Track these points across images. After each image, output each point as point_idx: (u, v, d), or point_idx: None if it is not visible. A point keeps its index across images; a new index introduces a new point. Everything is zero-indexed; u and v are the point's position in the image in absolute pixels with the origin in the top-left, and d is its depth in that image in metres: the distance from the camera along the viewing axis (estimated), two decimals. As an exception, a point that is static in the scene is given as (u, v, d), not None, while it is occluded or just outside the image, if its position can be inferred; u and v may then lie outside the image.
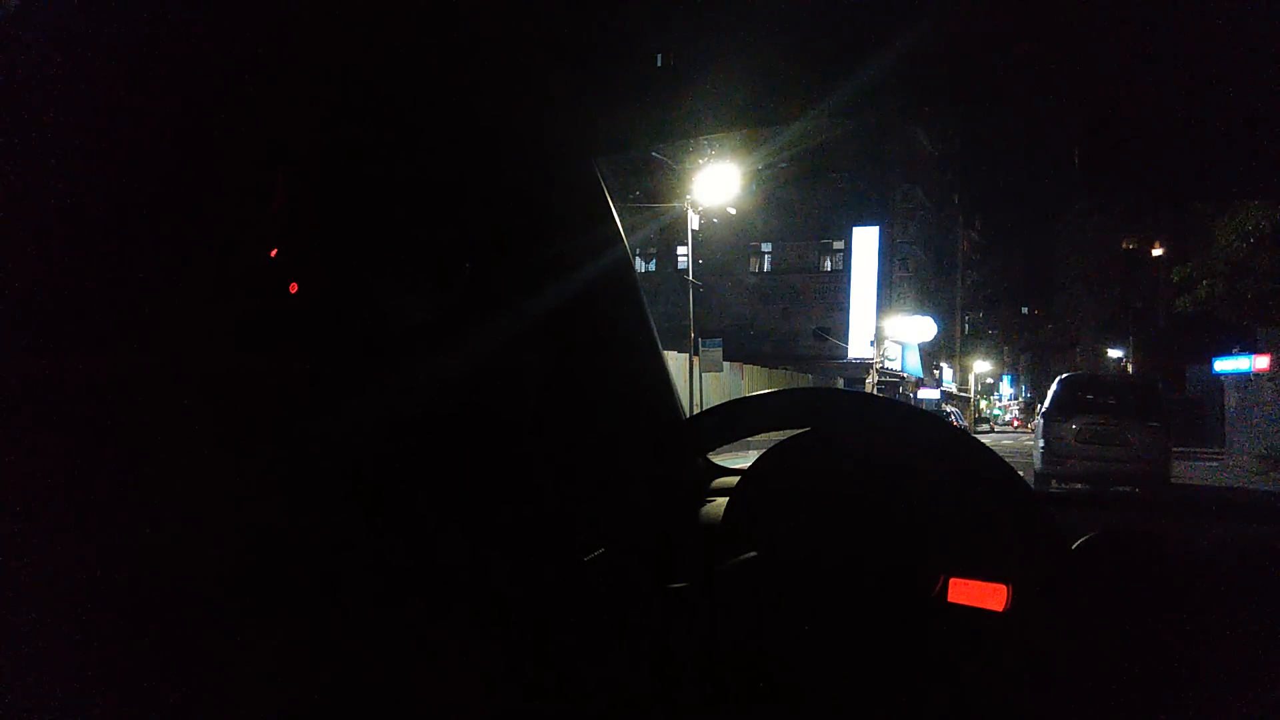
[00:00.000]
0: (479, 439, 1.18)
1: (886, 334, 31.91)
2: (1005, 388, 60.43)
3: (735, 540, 0.89)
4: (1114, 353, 40.26)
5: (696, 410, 1.01)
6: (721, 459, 1.36)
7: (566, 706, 0.92)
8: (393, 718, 0.95)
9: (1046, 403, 10.93)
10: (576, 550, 0.97)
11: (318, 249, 1.01)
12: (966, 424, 32.36)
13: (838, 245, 32.26)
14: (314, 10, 0.90)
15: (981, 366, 50.14)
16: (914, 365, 35.36)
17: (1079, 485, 10.04)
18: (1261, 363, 17.52)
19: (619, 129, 1.31)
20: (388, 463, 1.04)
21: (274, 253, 0.95)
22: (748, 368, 24.40)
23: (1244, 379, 18.40)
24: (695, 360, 16.95)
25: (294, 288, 0.96)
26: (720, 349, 17.64)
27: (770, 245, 32.61)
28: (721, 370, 18.60)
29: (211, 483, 0.81)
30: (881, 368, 31.50)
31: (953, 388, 43.92)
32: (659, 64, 1.11)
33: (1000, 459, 0.83)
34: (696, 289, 18.21)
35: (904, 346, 34.27)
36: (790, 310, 32.03)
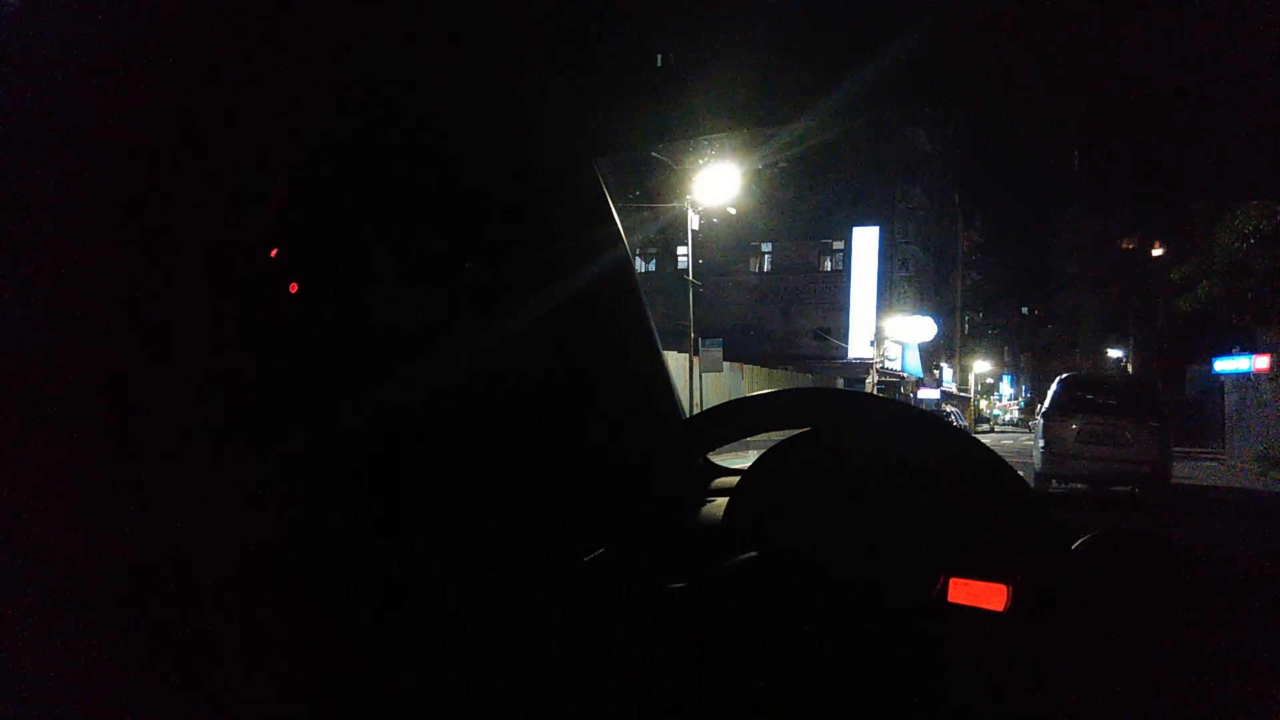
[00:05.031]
0: (478, 439, 1.18)
1: (886, 334, 31.91)
2: (1005, 388, 60.42)
3: (735, 540, 0.89)
4: (1114, 353, 40.28)
5: (696, 410, 1.01)
6: (721, 459, 1.36)
7: (566, 708, 0.92)
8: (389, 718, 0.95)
9: (1046, 403, 10.93)
10: (576, 550, 0.97)
11: (318, 249, 1.01)
12: (966, 424, 32.35)
13: (838, 245, 32.27)
14: (314, 10, 0.90)
15: (981, 366, 50.14)
16: (914, 365, 35.36)
17: (1079, 485, 10.04)
18: (1261, 363, 17.52)
19: (619, 129, 1.31)
20: (387, 463, 1.04)
21: (274, 253, 0.95)
22: (748, 368, 24.39)
23: (1244, 379, 18.40)
24: (695, 360, 16.94)
25: (294, 288, 0.96)
26: (720, 349, 17.64)
27: (770, 245, 32.62)
28: (721, 370, 18.60)
29: (210, 483, 0.81)
30: (881, 368, 31.50)
31: (953, 388, 43.91)
32: (659, 64, 1.11)
33: (1000, 459, 0.83)
34: (696, 289, 18.21)
35: (904, 346, 34.26)
36: (790, 310, 32.03)
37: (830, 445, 0.94)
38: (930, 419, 0.88)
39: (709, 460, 1.38)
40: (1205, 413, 24.28)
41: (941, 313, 39.44)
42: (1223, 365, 20.32)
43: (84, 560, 0.71)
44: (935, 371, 40.67)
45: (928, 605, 0.83)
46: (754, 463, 1.00)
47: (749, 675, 0.80)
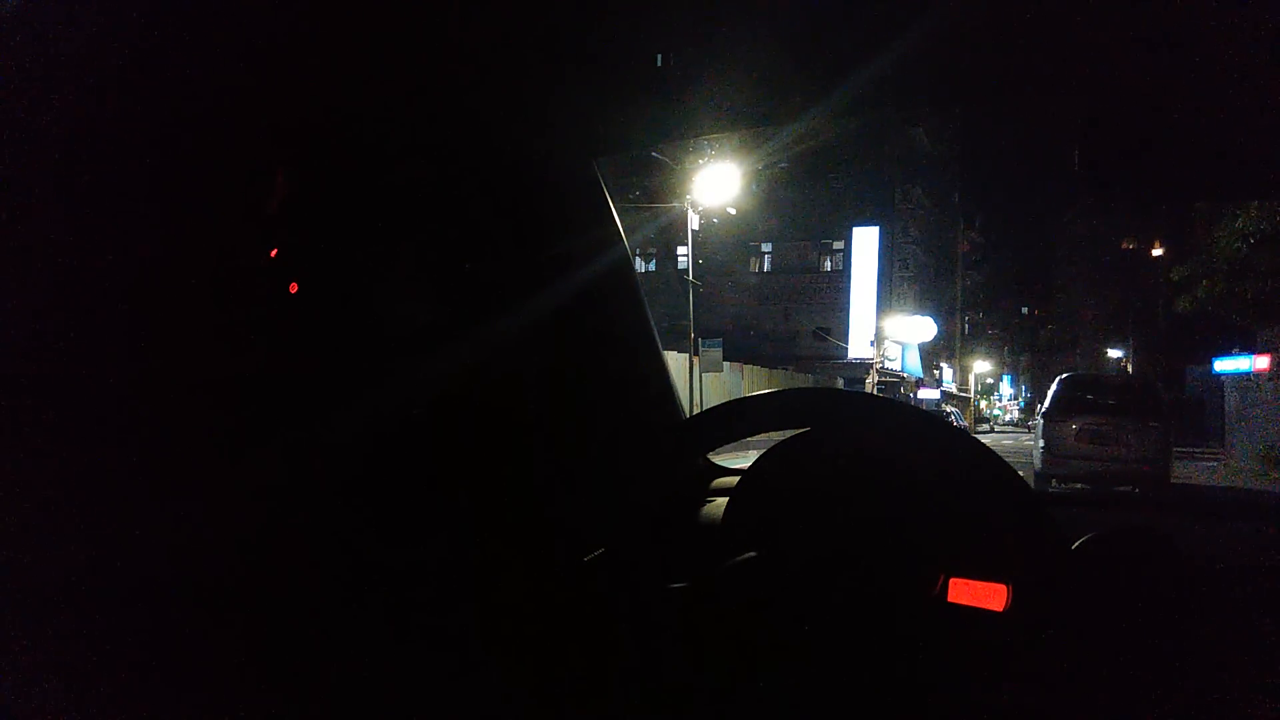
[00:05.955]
0: (479, 439, 1.18)
1: (886, 334, 31.90)
2: (1005, 388, 60.40)
3: (735, 540, 0.89)
4: (1114, 353, 40.32)
5: (696, 410, 1.01)
6: (721, 459, 1.36)
7: (566, 707, 0.92)
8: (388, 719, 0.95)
9: (1046, 403, 10.94)
10: (576, 550, 0.97)
11: (318, 249, 1.01)
12: (966, 424, 32.33)
13: (838, 245, 32.26)
14: (315, 9, 0.90)
15: (981, 366, 50.09)
16: (914, 365, 35.35)
17: (1079, 485, 10.04)
18: (1261, 363, 17.50)
19: (619, 129, 1.31)
20: (388, 463, 1.04)
21: (274, 253, 0.95)
22: (748, 368, 24.39)
23: (1244, 379, 18.39)
24: (695, 360, 16.94)
25: (294, 288, 0.96)
26: (720, 349, 17.64)
27: (770, 245, 32.61)
28: (721, 370, 18.60)
29: (210, 484, 0.81)
30: (881, 368, 31.50)
31: (953, 388, 43.89)
32: (659, 64, 1.11)
33: (1000, 459, 0.83)
34: (696, 289, 18.20)
35: (904, 346, 34.25)
36: (790, 310, 32.02)
37: (830, 445, 0.94)
38: (930, 419, 0.88)
39: (709, 460, 1.38)
40: (1205, 413, 24.28)
41: (941, 313, 39.42)
42: (1223, 365, 20.31)
43: (82, 560, 0.71)
44: (935, 371, 40.66)
45: (928, 605, 0.83)
46: (754, 463, 1.00)
47: (749, 675, 0.80)
